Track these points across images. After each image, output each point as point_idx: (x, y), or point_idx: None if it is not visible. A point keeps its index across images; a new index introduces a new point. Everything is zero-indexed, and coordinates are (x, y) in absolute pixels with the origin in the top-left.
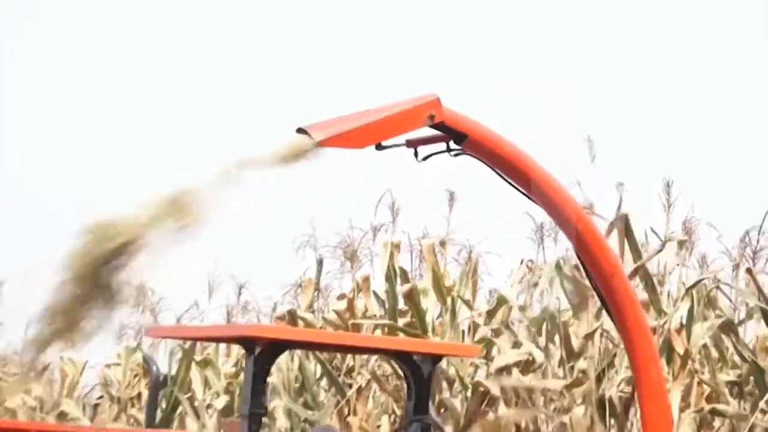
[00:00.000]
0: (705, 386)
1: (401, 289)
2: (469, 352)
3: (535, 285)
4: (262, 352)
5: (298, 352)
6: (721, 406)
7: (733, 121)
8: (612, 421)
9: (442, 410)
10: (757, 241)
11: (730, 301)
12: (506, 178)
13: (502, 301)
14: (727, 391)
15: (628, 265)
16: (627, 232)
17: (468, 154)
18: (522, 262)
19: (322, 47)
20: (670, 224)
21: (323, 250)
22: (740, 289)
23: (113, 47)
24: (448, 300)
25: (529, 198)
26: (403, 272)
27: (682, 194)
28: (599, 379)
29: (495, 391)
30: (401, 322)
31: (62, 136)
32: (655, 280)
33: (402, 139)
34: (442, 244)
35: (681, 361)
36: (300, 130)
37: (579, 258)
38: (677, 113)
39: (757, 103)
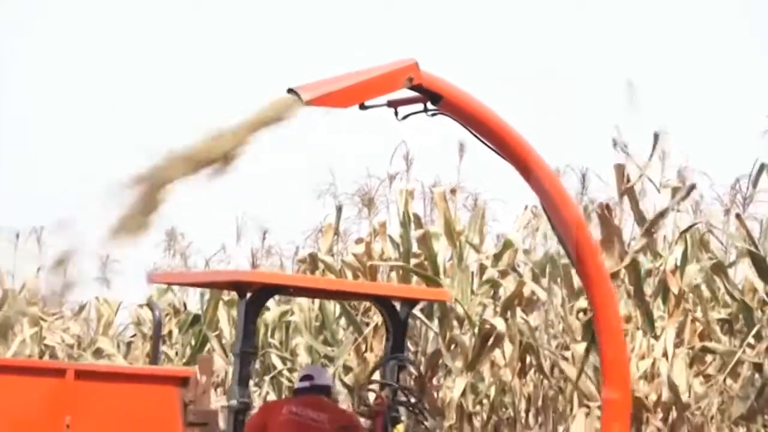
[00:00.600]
0: (698, 324)
1: (415, 233)
2: (441, 297)
3: (538, 229)
4: (253, 296)
5: None
6: (711, 345)
7: (725, 78)
8: None
9: (452, 347)
10: (747, 188)
11: (722, 244)
12: (479, 136)
13: (508, 244)
14: (718, 328)
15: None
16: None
17: (444, 114)
18: (526, 207)
19: (323, 43)
20: (665, 173)
21: (342, 197)
22: (731, 233)
23: (110, 42)
24: (458, 244)
25: (502, 157)
26: (417, 218)
27: (677, 145)
28: None
29: (501, 328)
30: (414, 264)
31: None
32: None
33: (384, 99)
34: (453, 191)
35: (675, 300)
36: (290, 91)
37: (546, 213)
38: (672, 68)
39: (747, 59)
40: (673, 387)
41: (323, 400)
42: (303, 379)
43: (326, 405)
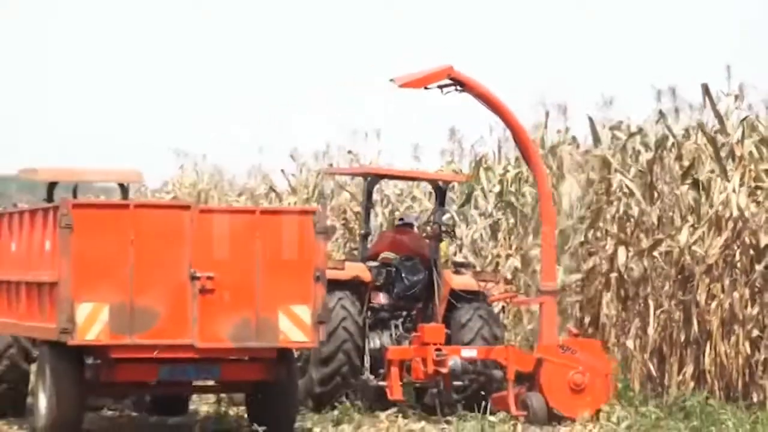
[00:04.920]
0: (752, 172)
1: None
2: (461, 179)
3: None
4: (369, 181)
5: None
6: (761, 183)
7: None
8: None
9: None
10: None
11: (764, 127)
12: (485, 105)
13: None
14: (763, 174)
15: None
16: (708, 94)
17: (468, 93)
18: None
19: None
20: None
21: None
22: None
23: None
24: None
25: (500, 118)
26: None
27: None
28: None
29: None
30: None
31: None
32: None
33: (435, 84)
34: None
35: (738, 160)
36: (391, 80)
37: (515, 139)
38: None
39: None
40: (738, 208)
41: (408, 230)
42: (399, 220)
43: (409, 232)
